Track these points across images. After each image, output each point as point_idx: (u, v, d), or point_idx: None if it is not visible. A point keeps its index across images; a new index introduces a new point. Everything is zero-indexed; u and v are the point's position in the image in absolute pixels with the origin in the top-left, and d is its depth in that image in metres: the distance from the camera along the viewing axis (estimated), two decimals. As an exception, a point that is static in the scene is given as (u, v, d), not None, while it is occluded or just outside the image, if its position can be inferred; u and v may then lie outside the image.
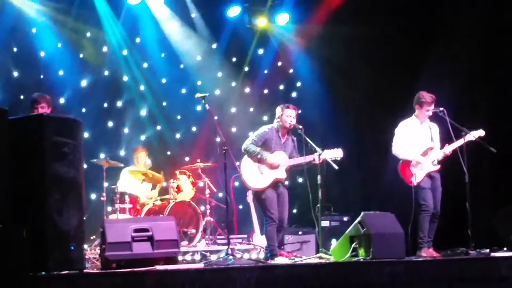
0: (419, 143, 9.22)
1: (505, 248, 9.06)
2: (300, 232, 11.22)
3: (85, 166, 9.73)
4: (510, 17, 11.71)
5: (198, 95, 9.13)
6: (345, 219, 11.12)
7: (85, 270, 6.39)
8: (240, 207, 11.64)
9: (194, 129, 13.27)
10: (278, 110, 9.09)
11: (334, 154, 8.76)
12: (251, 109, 13.74)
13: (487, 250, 8.74)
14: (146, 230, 7.27)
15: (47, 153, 5.97)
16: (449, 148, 9.08)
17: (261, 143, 8.94)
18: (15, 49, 11.61)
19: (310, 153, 8.80)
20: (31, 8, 11.53)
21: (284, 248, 10.31)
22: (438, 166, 9.16)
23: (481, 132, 9.14)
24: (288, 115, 8.98)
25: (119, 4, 12.39)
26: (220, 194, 11.87)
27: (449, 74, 11.61)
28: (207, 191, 11.37)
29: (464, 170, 8.82)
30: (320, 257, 8.41)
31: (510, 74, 11.75)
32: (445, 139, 9.24)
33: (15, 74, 11.56)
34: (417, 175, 9.06)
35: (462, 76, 11.77)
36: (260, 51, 13.89)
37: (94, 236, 10.13)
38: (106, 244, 7.09)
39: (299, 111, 9.40)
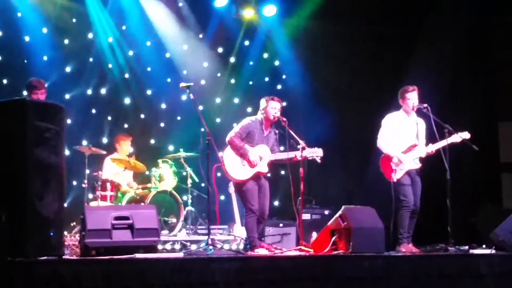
0: (403, 138, 9.22)
1: (484, 246, 9.10)
2: (281, 225, 11.23)
3: (67, 152, 9.75)
4: (494, 15, 11.80)
5: (182, 84, 9.09)
6: (326, 212, 11.13)
7: (64, 257, 6.36)
8: (222, 197, 11.64)
9: (178, 118, 13.23)
10: (263, 102, 9.08)
11: (315, 153, 8.77)
12: (236, 100, 13.73)
13: (466, 247, 8.79)
14: (126, 218, 7.25)
15: (28, 138, 5.94)
16: (433, 147, 9.09)
17: (245, 135, 8.93)
18: (-1, 33, 11.55)
19: (293, 147, 8.81)
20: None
21: (265, 240, 10.32)
22: (420, 165, 9.19)
23: (466, 135, 9.14)
24: (272, 107, 8.97)
25: (107, -10, 12.38)
26: (202, 184, 11.86)
27: (434, 69, 11.66)
28: (189, 181, 11.36)
29: (445, 167, 8.84)
30: (300, 250, 8.43)
31: (494, 73, 11.83)
32: (429, 136, 9.26)
33: (-1, 58, 11.50)
34: (397, 172, 9.07)
35: (447, 74, 11.83)
36: (247, 43, 13.86)
37: (74, 223, 10.10)
38: (86, 231, 7.06)
39: (284, 104, 9.40)
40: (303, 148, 8.70)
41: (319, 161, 8.79)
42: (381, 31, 12.38)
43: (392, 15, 12.40)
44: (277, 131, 9.15)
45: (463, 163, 10.57)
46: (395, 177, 9.07)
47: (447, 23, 12.02)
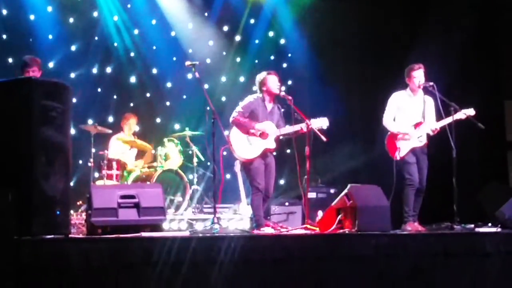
0: (409, 116, 9.22)
1: (489, 224, 9.09)
2: (286, 203, 11.26)
3: (73, 131, 9.76)
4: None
5: (188, 63, 9.04)
6: (332, 191, 11.15)
7: (70, 235, 6.38)
8: (228, 176, 11.65)
9: (184, 97, 13.23)
10: (260, 78, 9.01)
11: (320, 123, 8.75)
12: (242, 79, 13.70)
13: (472, 226, 8.77)
14: (132, 196, 7.24)
15: (34, 117, 5.94)
16: (437, 125, 9.08)
17: (247, 114, 8.91)
18: (4, 12, 11.53)
19: (298, 121, 8.79)
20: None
21: (270, 219, 10.34)
22: (424, 142, 9.18)
23: (471, 111, 9.14)
24: (273, 81, 8.94)
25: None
26: (208, 163, 11.87)
27: (441, 48, 11.61)
28: (195, 160, 11.37)
29: (451, 145, 8.83)
30: (306, 228, 8.44)
31: (501, 51, 11.76)
32: (435, 114, 9.25)
33: (4, 37, 11.48)
34: (401, 149, 9.08)
35: (454, 53, 11.76)
36: (252, 21, 13.81)
37: (80, 202, 10.13)
38: (92, 210, 7.07)
39: (289, 82, 9.37)
40: (308, 125, 8.68)
41: (324, 138, 8.76)
42: (388, 10, 12.30)
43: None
44: (280, 106, 9.13)
45: (469, 142, 10.53)
46: (399, 155, 9.07)
47: (455, 1, 11.94)
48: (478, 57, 12.14)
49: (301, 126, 8.74)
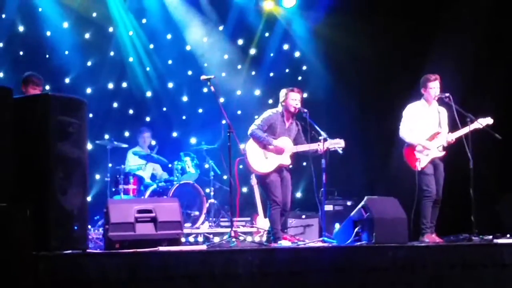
0: (426, 127, 9.20)
1: (508, 235, 9.05)
2: (303, 216, 11.23)
3: (89, 146, 9.78)
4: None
5: (203, 77, 9.10)
6: (349, 203, 11.12)
7: (88, 250, 6.40)
8: (244, 190, 11.64)
9: (200, 111, 13.26)
10: (282, 93, 9.05)
11: (337, 144, 8.74)
12: (257, 92, 13.72)
13: (490, 237, 8.73)
14: (149, 211, 7.26)
15: (51, 132, 5.98)
16: (455, 135, 9.06)
17: (266, 128, 8.92)
18: (21, 29, 11.61)
19: (314, 139, 8.79)
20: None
21: (287, 232, 10.33)
22: (444, 152, 9.15)
23: (489, 120, 9.11)
24: (293, 99, 8.94)
25: (126, -16, 12.41)
26: (225, 177, 11.88)
27: (456, 58, 11.57)
28: (211, 173, 11.39)
29: (468, 156, 8.80)
30: (323, 241, 8.42)
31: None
32: (451, 125, 9.22)
33: (21, 53, 11.55)
34: (422, 160, 9.04)
35: (469, 60, 11.73)
36: (267, 34, 13.82)
37: (98, 217, 10.17)
38: (110, 225, 7.09)
39: (305, 95, 9.37)
40: (325, 140, 8.68)
41: (340, 152, 8.76)
42: (402, 24, 12.28)
43: (412, 4, 12.31)
44: (299, 123, 9.13)
45: (486, 153, 10.48)
46: (420, 166, 9.03)
47: (467, 13, 11.91)
48: (492, 66, 12.08)
49: (318, 145, 8.73)
